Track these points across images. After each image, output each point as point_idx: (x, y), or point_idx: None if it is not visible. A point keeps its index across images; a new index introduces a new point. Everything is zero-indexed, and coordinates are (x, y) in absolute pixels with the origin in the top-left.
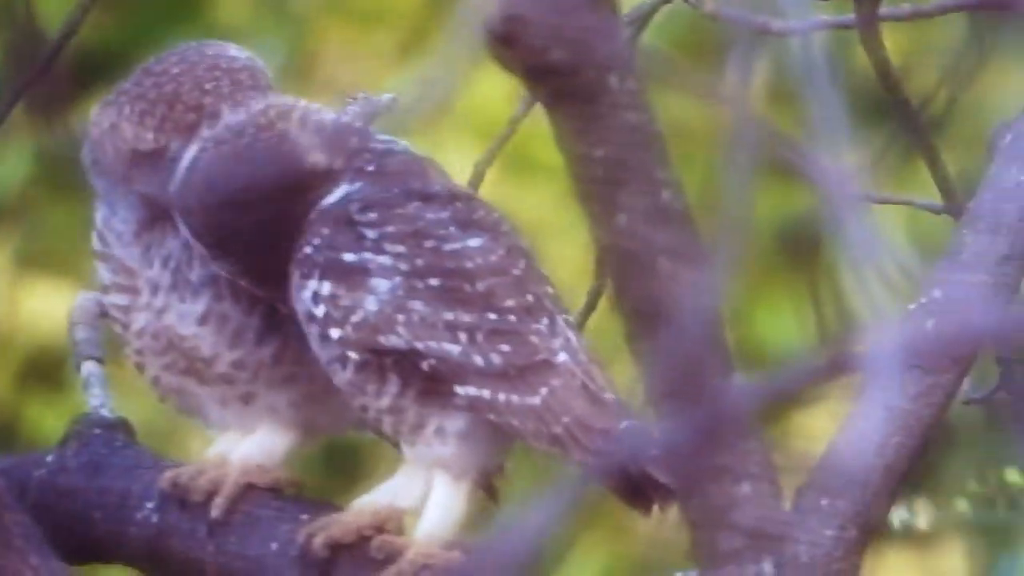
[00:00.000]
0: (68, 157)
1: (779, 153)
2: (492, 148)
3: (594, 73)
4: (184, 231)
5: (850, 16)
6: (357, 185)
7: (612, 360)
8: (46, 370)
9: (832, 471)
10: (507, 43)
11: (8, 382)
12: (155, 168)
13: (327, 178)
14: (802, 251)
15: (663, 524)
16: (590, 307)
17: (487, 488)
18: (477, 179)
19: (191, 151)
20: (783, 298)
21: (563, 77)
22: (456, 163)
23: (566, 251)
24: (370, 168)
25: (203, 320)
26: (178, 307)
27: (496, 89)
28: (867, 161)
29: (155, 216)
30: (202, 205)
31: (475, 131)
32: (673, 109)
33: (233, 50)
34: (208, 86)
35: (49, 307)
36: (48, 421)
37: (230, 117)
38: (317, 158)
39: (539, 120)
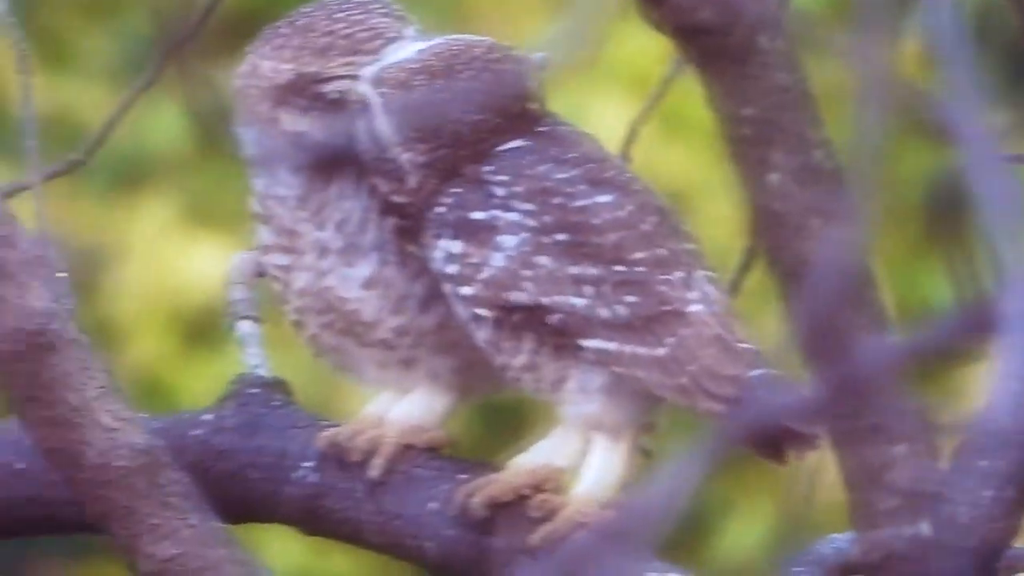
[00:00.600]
0: (219, 116)
1: (923, 113)
2: (645, 107)
3: (744, 32)
4: (369, 129)
5: None
6: (530, 142)
7: (765, 319)
8: (206, 329)
9: (989, 431)
10: (657, 2)
11: (170, 341)
12: (301, 104)
13: (529, 121)
14: (949, 210)
15: (819, 484)
16: (744, 267)
17: (643, 448)
18: (631, 138)
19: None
20: (933, 256)
21: (713, 37)
22: (608, 118)
23: (720, 211)
24: (543, 128)
25: (368, 285)
26: (343, 270)
27: (649, 44)
28: (1011, 121)
29: (320, 170)
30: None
31: (627, 85)
32: (823, 69)
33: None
34: (339, 15)
35: (208, 265)
36: (205, 380)
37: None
38: (534, 100)
39: (691, 80)
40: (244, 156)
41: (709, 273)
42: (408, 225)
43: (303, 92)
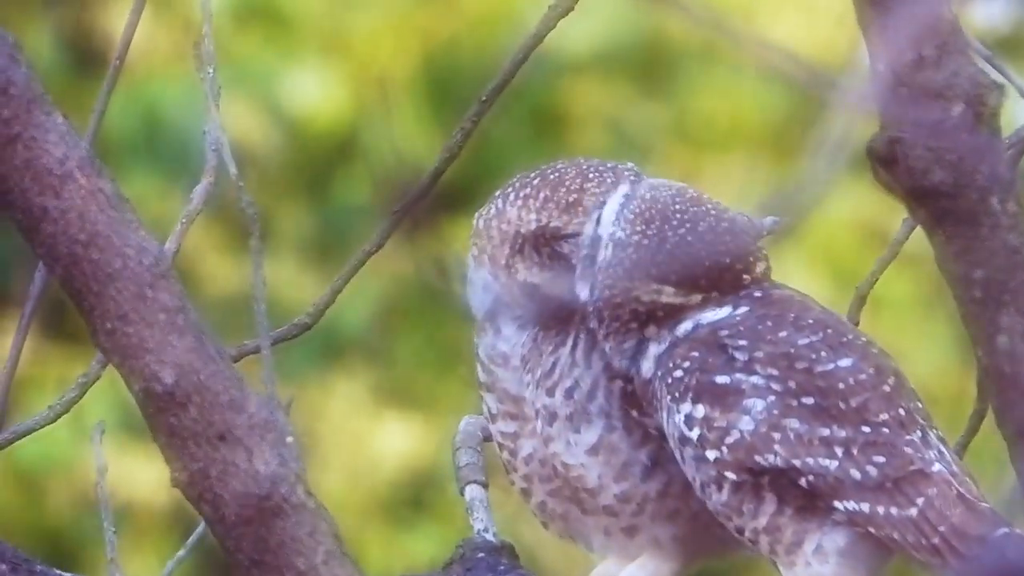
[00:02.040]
0: (429, 284)
1: None
2: (875, 271)
3: (976, 195)
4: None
5: None
6: (742, 309)
7: (996, 481)
8: (401, 501)
9: None
10: (889, 164)
11: (365, 513)
12: (539, 257)
13: (744, 283)
14: None
15: None
16: (973, 429)
17: None
18: (859, 300)
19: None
20: None
21: (944, 199)
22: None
23: (952, 375)
24: (757, 294)
25: (593, 451)
26: (570, 436)
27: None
28: None
29: (547, 329)
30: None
31: (823, 259)
32: None
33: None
34: (592, 175)
35: (399, 440)
36: (402, 551)
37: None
38: (752, 263)
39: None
40: (467, 309)
41: (940, 432)
42: (634, 390)
43: (544, 244)
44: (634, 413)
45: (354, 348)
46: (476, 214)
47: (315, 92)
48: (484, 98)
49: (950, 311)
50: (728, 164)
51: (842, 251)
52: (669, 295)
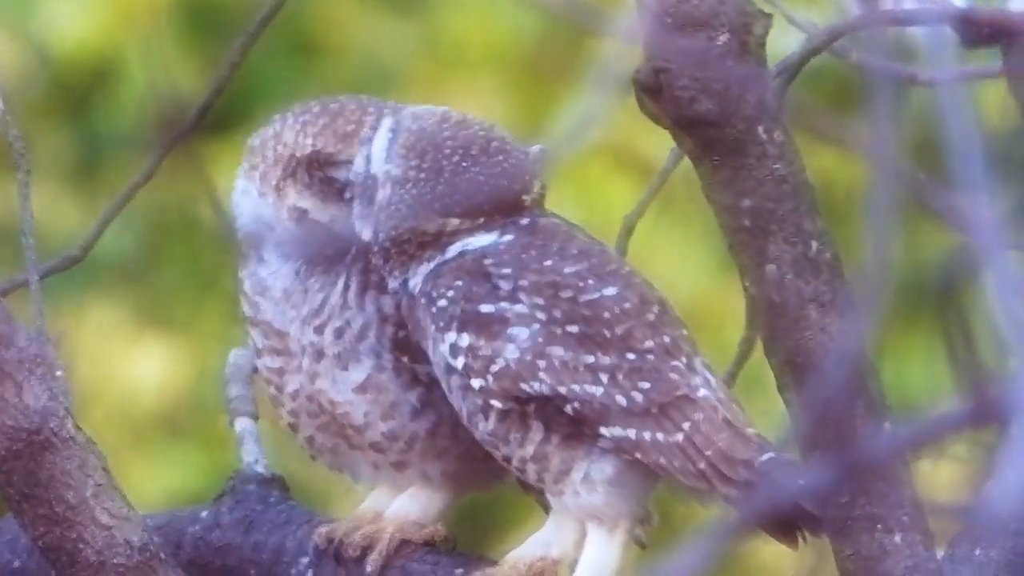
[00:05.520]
0: (184, 212)
1: (920, 200)
2: (643, 200)
3: (742, 124)
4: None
5: (997, 65)
6: (508, 237)
7: (763, 409)
8: (159, 429)
9: (984, 520)
10: (655, 94)
11: (122, 441)
12: (312, 182)
13: (524, 203)
14: (940, 297)
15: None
16: (742, 357)
17: (638, 540)
18: (627, 231)
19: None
20: (920, 344)
21: (710, 128)
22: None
23: (718, 301)
24: (524, 222)
25: (360, 389)
26: (336, 373)
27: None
28: (1009, 209)
29: (313, 264)
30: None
31: (636, 170)
32: (820, 159)
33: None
34: (371, 109)
35: (163, 365)
36: (162, 480)
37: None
38: (535, 179)
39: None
40: (231, 234)
41: (705, 359)
42: (406, 336)
43: (317, 169)
44: (404, 359)
45: (114, 274)
46: (253, 133)
47: (74, 18)
48: (252, 30)
49: (715, 240)
50: (479, 89)
51: (606, 182)
52: (455, 225)
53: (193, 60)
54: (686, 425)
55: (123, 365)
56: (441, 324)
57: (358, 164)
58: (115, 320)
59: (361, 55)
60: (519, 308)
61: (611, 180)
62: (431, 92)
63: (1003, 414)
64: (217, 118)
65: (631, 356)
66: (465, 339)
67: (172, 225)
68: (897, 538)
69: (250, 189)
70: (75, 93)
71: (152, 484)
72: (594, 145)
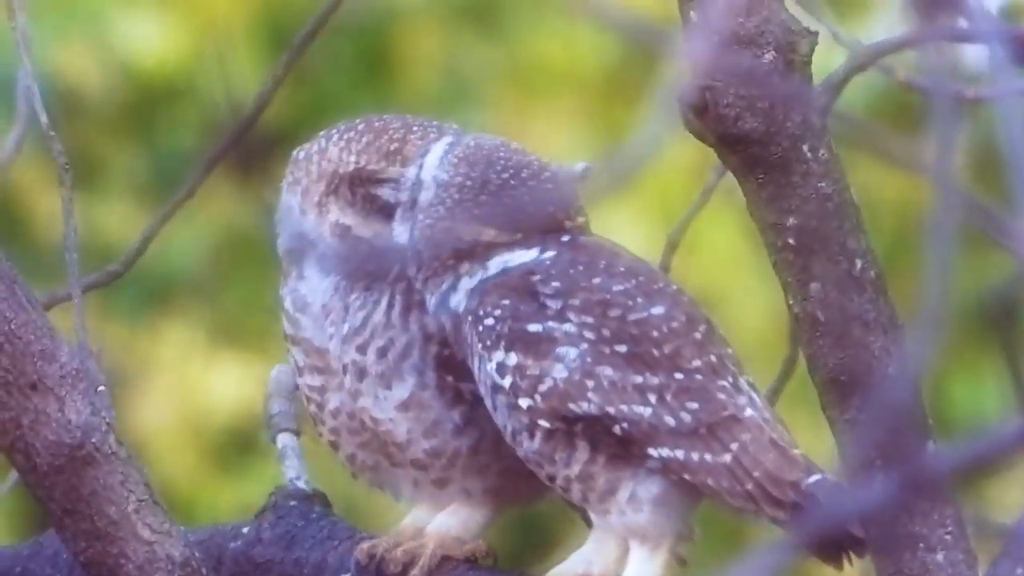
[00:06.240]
0: (256, 228)
1: (978, 222)
2: (684, 219)
3: (787, 142)
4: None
5: None
6: (550, 253)
7: (807, 427)
8: (232, 445)
9: None
10: (700, 112)
11: (196, 457)
12: (354, 199)
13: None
14: (1000, 320)
15: None
16: (785, 375)
17: (680, 558)
18: (670, 248)
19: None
20: (981, 367)
21: (755, 146)
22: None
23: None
24: (565, 239)
25: (403, 407)
26: (379, 392)
27: (678, 165)
28: None
29: (352, 273)
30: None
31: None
32: (866, 176)
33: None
34: (416, 128)
35: (236, 382)
36: (232, 495)
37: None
38: (573, 212)
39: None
40: (277, 251)
41: (751, 379)
42: (450, 354)
43: (360, 186)
44: (449, 378)
45: (185, 291)
46: (297, 148)
47: (151, 35)
48: (298, 43)
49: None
50: (559, 110)
51: (672, 199)
52: (490, 236)
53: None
54: (734, 446)
55: (200, 383)
56: (488, 343)
57: (411, 173)
58: (190, 338)
59: (441, 73)
60: (567, 327)
61: (678, 197)
62: (511, 113)
63: None
64: (288, 132)
65: (679, 376)
66: (513, 358)
67: (240, 241)
68: (939, 557)
69: (292, 203)
70: (152, 109)
71: (227, 501)
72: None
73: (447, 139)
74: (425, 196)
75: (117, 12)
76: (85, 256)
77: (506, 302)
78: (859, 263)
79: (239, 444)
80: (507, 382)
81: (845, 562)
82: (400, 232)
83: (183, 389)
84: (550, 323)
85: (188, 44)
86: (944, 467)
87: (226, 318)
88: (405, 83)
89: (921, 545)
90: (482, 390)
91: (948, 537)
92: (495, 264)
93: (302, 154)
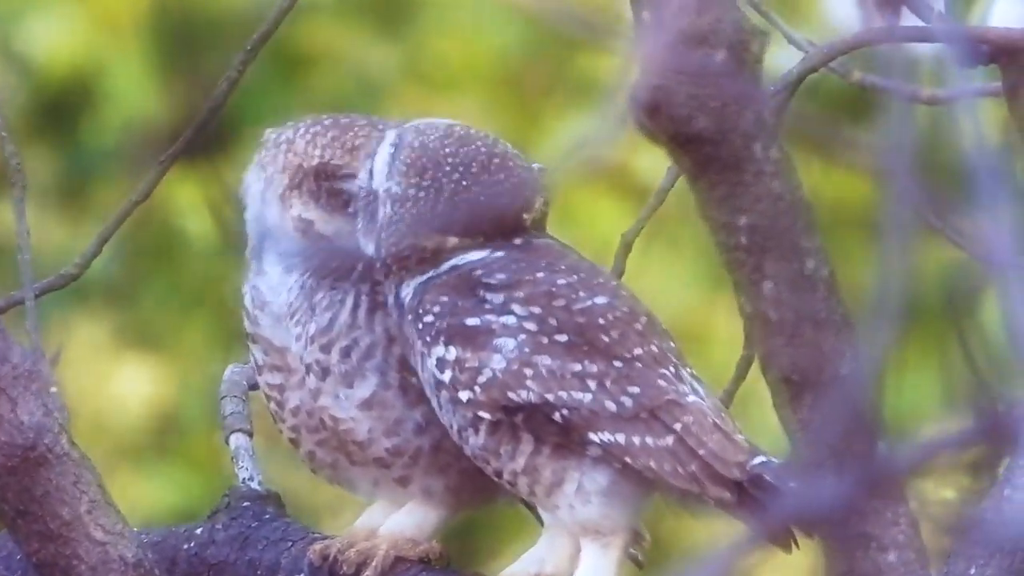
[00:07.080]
0: (173, 232)
1: (924, 218)
2: (640, 219)
3: (739, 141)
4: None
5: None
6: (500, 253)
7: (761, 425)
8: (144, 446)
9: (979, 538)
10: (652, 112)
11: (107, 459)
12: (318, 193)
13: (525, 222)
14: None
15: None
16: (740, 376)
17: (633, 557)
18: (625, 248)
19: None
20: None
21: (707, 145)
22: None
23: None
24: (518, 242)
25: (365, 405)
26: (341, 391)
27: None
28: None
29: (317, 269)
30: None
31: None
32: (818, 176)
33: None
34: (381, 126)
35: (142, 383)
36: (146, 497)
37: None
38: (536, 195)
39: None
40: (244, 244)
41: (693, 371)
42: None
43: (324, 180)
44: (413, 379)
45: (99, 292)
46: (268, 129)
47: (57, 35)
48: (250, 47)
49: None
50: (462, 107)
51: (593, 202)
52: (454, 243)
53: (162, 74)
54: (677, 426)
55: (109, 383)
56: (428, 339)
57: (362, 178)
58: (101, 339)
59: (347, 73)
60: (506, 319)
61: (599, 201)
62: (415, 110)
63: (1009, 433)
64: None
65: (619, 363)
66: (452, 352)
67: (154, 244)
68: (892, 556)
69: (257, 186)
70: (59, 111)
71: (139, 501)
72: (590, 166)
73: (390, 137)
74: (383, 212)
75: (19, 11)
76: (9, 258)
77: (444, 298)
78: (811, 262)
79: (151, 445)
80: (447, 376)
81: (792, 544)
82: (366, 245)
83: (95, 389)
84: (488, 316)
85: (93, 44)
86: (894, 467)
87: (138, 320)
88: (313, 83)
89: (873, 544)
90: (427, 389)
91: (900, 537)
92: (447, 264)
93: (272, 137)
